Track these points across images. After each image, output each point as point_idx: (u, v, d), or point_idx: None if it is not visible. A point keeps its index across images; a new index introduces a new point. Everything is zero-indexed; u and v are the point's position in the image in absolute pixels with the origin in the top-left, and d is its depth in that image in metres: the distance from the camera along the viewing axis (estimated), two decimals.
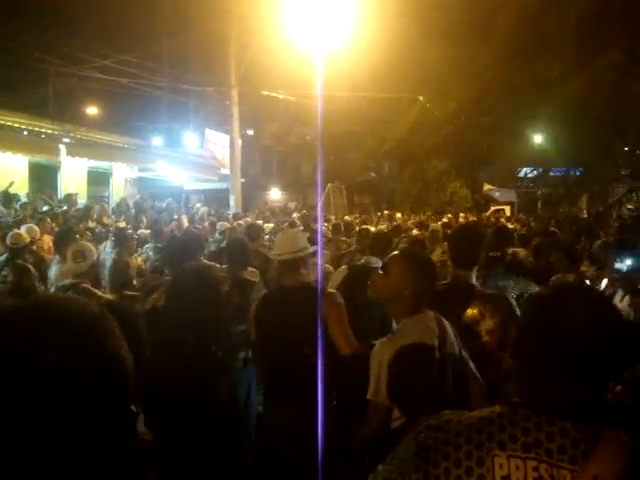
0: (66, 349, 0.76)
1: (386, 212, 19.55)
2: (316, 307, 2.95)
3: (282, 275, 3.26)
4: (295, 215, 14.66)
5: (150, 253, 7.03)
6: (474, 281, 3.13)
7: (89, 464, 0.76)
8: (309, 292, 3.07)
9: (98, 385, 0.77)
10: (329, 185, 21.49)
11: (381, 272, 2.58)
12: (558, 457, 1.14)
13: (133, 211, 12.68)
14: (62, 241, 5.78)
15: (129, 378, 0.83)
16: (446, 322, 2.47)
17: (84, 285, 4.33)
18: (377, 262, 4.60)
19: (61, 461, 0.74)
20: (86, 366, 0.77)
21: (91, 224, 10.35)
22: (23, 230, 6.93)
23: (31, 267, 5.77)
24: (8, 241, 5.97)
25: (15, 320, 0.78)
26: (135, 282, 6.16)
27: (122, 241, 6.73)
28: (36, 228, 7.32)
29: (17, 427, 0.73)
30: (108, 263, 6.39)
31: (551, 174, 24.03)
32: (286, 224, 11.52)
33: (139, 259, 6.76)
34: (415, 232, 10.11)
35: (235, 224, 10.22)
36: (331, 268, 5.07)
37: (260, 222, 10.46)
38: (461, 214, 20.17)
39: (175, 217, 12.48)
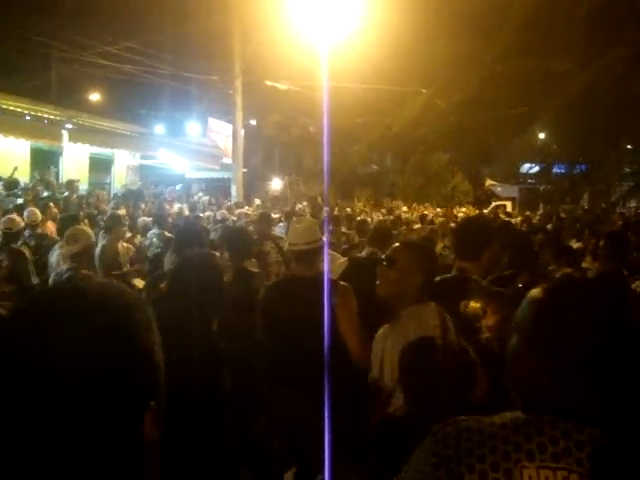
0: (96, 339, 0.74)
1: (392, 203, 19.47)
2: (328, 298, 2.93)
3: (295, 265, 3.21)
4: (299, 206, 14.61)
5: (154, 239, 6.99)
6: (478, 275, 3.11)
7: (106, 460, 0.74)
8: (322, 283, 3.03)
9: (124, 379, 0.75)
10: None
11: (385, 265, 2.57)
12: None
13: (112, 202, 12.36)
14: (66, 227, 5.73)
15: (158, 374, 0.81)
16: (446, 314, 2.46)
17: (82, 271, 4.32)
18: (379, 254, 4.57)
19: (80, 454, 0.72)
20: (115, 357, 0.74)
21: (91, 210, 10.31)
22: (25, 214, 6.91)
23: (26, 251, 5.73)
24: (1, 226, 5.94)
25: (47, 304, 0.77)
26: (125, 269, 6.10)
27: (112, 226, 6.59)
28: (37, 211, 7.27)
29: (36, 417, 0.71)
30: (98, 249, 6.19)
31: (554, 170, 23.99)
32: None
33: (125, 245, 6.56)
34: (416, 226, 10.12)
35: (237, 213, 10.21)
36: (341, 257, 5.03)
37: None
38: (462, 209, 20.10)
39: (167, 203, 12.33)
